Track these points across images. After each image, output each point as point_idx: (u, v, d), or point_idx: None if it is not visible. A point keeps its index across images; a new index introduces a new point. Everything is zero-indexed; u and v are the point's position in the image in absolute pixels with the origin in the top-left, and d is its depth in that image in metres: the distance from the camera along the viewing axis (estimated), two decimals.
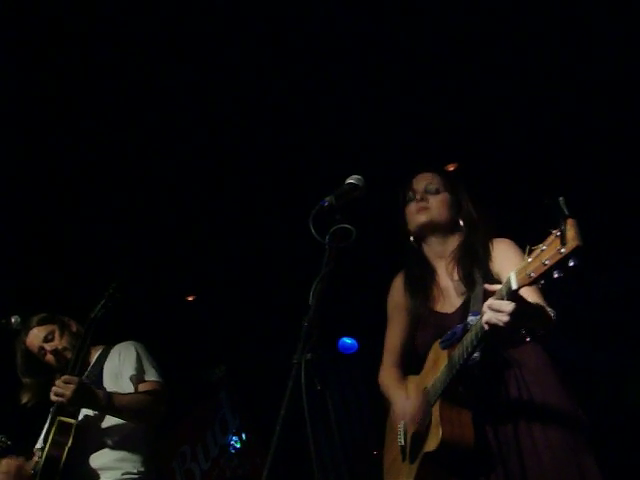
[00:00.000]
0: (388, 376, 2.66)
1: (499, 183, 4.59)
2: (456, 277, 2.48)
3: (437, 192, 2.56)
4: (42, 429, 3.32)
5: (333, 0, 3.81)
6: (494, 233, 2.51)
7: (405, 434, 2.43)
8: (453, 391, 2.18)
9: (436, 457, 2.16)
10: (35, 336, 3.35)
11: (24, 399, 3.31)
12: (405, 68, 4.22)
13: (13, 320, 3.44)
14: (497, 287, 1.92)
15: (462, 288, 2.44)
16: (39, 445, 3.26)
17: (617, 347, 4.78)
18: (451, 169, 4.60)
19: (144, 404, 3.13)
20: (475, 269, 2.42)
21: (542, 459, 2.10)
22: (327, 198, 2.01)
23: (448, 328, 2.34)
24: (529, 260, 1.71)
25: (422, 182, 2.60)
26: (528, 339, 2.05)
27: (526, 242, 1.78)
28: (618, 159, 4.66)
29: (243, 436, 6.45)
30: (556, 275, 1.62)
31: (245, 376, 6.38)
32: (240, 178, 4.96)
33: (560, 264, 1.60)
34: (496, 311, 1.87)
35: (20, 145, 4.40)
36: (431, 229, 2.54)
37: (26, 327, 3.39)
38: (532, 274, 1.70)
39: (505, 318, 1.85)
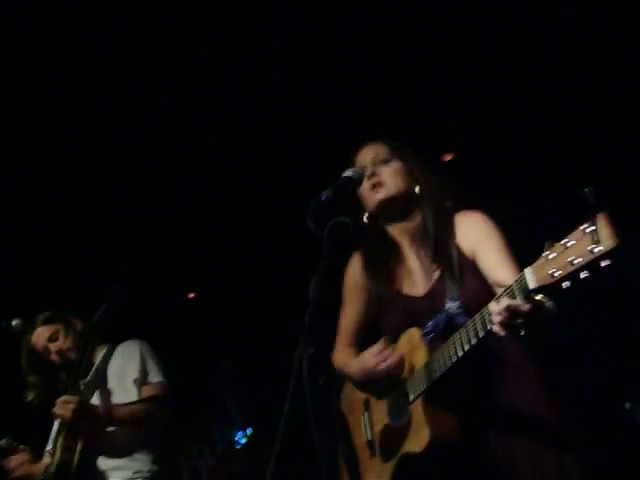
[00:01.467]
0: (346, 355, 2.39)
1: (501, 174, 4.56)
2: (423, 255, 2.27)
3: (387, 162, 2.29)
4: (49, 429, 3.34)
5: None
6: (460, 204, 2.30)
7: (371, 427, 2.26)
8: (437, 389, 2.01)
9: (419, 459, 2.01)
10: (40, 335, 3.35)
11: (29, 397, 3.33)
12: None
13: (14, 323, 3.44)
14: (507, 282, 1.74)
15: (432, 267, 2.23)
16: (49, 447, 3.28)
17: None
18: (448, 159, 4.59)
19: (147, 412, 3.16)
20: (445, 245, 2.19)
21: (521, 461, 1.96)
22: (324, 192, 1.98)
23: (419, 313, 2.18)
24: (550, 257, 1.53)
25: (368, 155, 2.33)
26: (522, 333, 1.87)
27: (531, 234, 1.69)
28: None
29: (249, 431, 6.46)
30: (583, 276, 1.46)
31: (251, 372, 6.38)
32: (240, 174, 4.96)
33: (591, 265, 1.44)
34: (512, 313, 1.67)
35: (22, 145, 4.40)
36: (391, 205, 2.27)
37: (31, 326, 3.39)
38: (556, 273, 1.51)
39: (521, 321, 1.68)
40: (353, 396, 2.41)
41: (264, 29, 3.98)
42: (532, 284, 1.59)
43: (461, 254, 2.17)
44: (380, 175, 2.27)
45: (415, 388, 2.05)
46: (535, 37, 4.07)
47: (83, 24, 3.72)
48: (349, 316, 2.47)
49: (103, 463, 3.12)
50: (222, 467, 6.60)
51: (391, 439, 2.14)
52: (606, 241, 1.40)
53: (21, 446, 3.21)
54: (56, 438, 3.10)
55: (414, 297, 2.25)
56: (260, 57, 4.13)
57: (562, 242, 1.51)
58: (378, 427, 2.22)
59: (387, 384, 2.19)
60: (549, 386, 2.12)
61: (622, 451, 4.06)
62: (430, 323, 2.10)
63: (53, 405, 3.03)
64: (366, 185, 2.24)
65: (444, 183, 2.32)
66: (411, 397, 2.06)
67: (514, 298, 1.66)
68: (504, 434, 2.00)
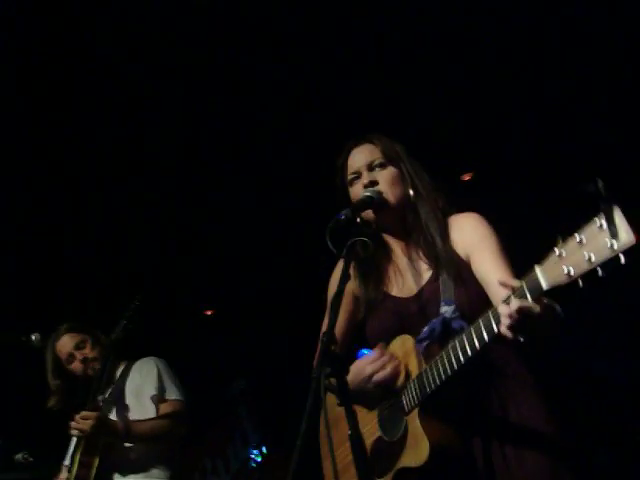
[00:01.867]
0: None
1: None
2: (416, 257, 2.17)
3: (383, 167, 2.18)
4: (67, 444, 3.36)
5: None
6: (452, 204, 2.20)
7: None
8: (434, 400, 1.88)
9: (418, 473, 1.88)
10: (67, 342, 3.39)
11: (50, 403, 3.34)
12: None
13: (34, 337, 3.47)
14: (512, 282, 1.61)
15: (424, 268, 2.13)
16: (67, 462, 3.29)
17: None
18: (467, 179, 4.59)
19: (164, 429, 3.18)
20: (439, 246, 2.09)
21: (519, 474, 1.86)
22: (344, 211, 1.98)
23: (407, 314, 2.08)
24: (564, 254, 1.40)
25: (361, 159, 2.21)
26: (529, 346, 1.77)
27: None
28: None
29: (264, 450, 6.44)
30: (601, 274, 1.33)
31: (265, 389, 6.37)
32: (257, 191, 4.98)
33: (610, 262, 1.32)
34: (524, 316, 1.55)
35: (35, 159, 4.44)
36: (389, 213, 2.16)
37: (58, 333, 3.42)
38: (572, 272, 1.39)
39: (531, 324, 1.56)
40: (337, 408, 2.08)
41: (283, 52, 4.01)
42: (545, 284, 1.47)
43: (455, 255, 2.08)
44: (380, 183, 2.15)
45: (411, 399, 1.92)
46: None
47: (84, 24, 3.73)
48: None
49: (119, 479, 3.13)
50: None
51: (384, 454, 2.00)
52: (625, 236, 1.29)
53: (32, 459, 3.25)
54: (74, 453, 3.11)
55: (403, 298, 2.16)
56: (277, 76, 4.16)
57: (575, 238, 1.38)
58: (368, 441, 2.07)
59: (378, 394, 2.06)
60: (549, 400, 2.01)
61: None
62: (425, 329, 1.98)
63: (71, 420, 3.05)
64: (360, 190, 2.16)
65: (436, 184, 2.23)
66: (407, 408, 1.94)
67: (524, 299, 1.54)
68: (502, 447, 1.91)
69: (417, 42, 4.05)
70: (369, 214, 2.13)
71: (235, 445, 6.72)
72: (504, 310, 1.58)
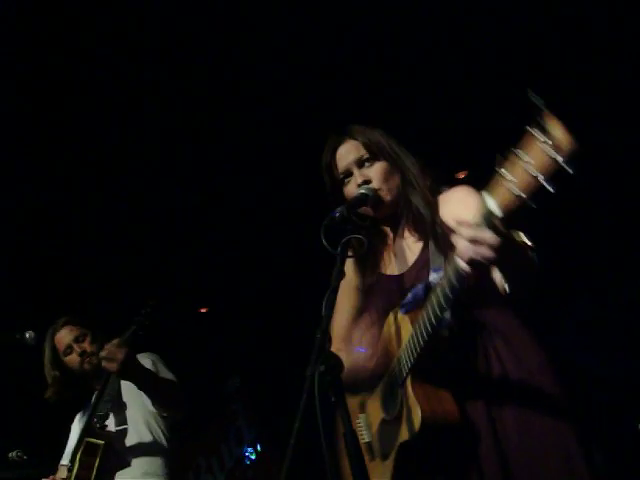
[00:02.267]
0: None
1: None
2: (407, 235, 2.18)
3: (372, 162, 2.18)
4: (62, 443, 3.35)
5: None
6: (439, 181, 2.19)
7: (368, 427, 2.09)
8: (423, 364, 1.83)
9: (415, 446, 1.82)
10: (66, 334, 3.37)
11: (47, 394, 3.33)
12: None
13: (27, 335, 3.45)
14: (465, 220, 1.52)
15: (416, 245, 2.13)
16: (64, 462, 3.28)
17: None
18: (462, 177, 4.58)
19: (173, 391, 3.16)
20: (428, 220, 2.08)
21: (523, 444, 1.79)
22: (338, 209, 1.98)
23: (396, 291, 2.06)
24: (508, 175, 1.32)
25: (349, 156, 2.20)
26: (507, 289, 1.70)
27: None
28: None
29: (258, 447, 6.44)
30: (551, 189, 1.26)
31: (260, 387, 6.37)
32: (253, 189, 4.97)
33: (553, 169, 1.24)
34: (479, 244, 1.47)
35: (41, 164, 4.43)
36: (385, 207, 2.17)
37: (57, 324, 3.42)
38: (522, 193, 1.31)
39: (489, 253, 1.48)
40: (349, 403, 2.28)
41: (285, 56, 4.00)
42: (497, 209, 1.39)
43: (446, 227, 2.02)
44: (374, 180, 2.16)
45: (402, 368, 1.89)
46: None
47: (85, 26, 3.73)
48: (338, 320, 2.31)
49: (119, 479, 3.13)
50: None
51: (388, 435, 1.96)
52: (561, 139, 1.24)
53: (26, 457, 3.24)
54: (74, 454, 3.10)
55: (395, 275, 2.16)
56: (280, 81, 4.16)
57: (514, 153, 1.31)
58: (375, 427, 2.06)
59: (377, 376, 2.05)
60: (547, 355, 1.95)
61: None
62: (408, 295, 1.96)
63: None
64: (355, 190, 2.17)
65: (422, 162, 2.22)
66: (399, 380, 1.90)
67: (480, 229, 1.47)
68: (499, 406, 1.85)
69: (415, 39, 4.05)
70: (366, 210, 2.16)
71: (229, 443, 6.72)
72: (458, 244, 1.54)
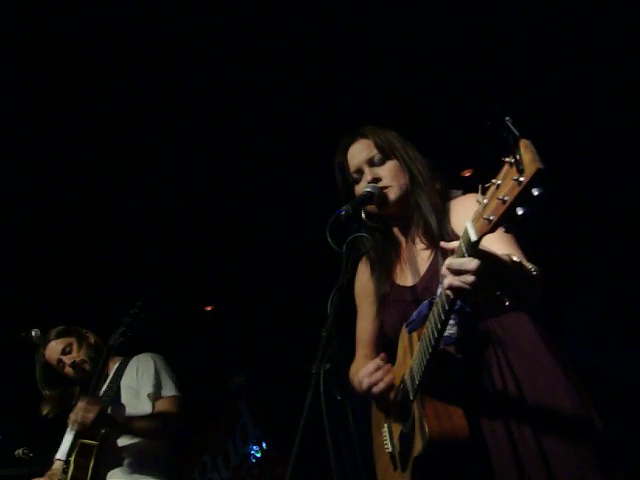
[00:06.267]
0: (357, 368, 2.23)
1: None
2: (417, 242, 2.16)
3: (383, 161, 2.21)
4: (60, 437, 3.36)
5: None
6: (449, 185, 2.20)
7: (391, 438, 2.09)
8: (432, 380, 1.82)
9: (428, 460, 1.81)
10: (53, 349, 3.40)
11: (44, 411, 3.36)
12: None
13: (33, 333, 3.48)
14: (455, 244, 1.57)
15: (425, 253, 2.13)
16: (59, 455, 3.29)
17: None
18: (467, 175, 4.57)
19: (160, 426, 3.19)
20: (439, 229, 2.08)
21: (539, 467, 1.74)
22: (344, 207, 1.98)
23: (411, 302, 2.05)
24: (485, 201, 1.38)
25: (361, 155, 2.23)
26: (507, 303, 1.69)
27: None
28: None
29: (264, 445, 6.44)
30: (521, 212, 1.28)
31: (265, 385, 6.38)
32: (258, 187, 4.97)
33: (522, 197, 1.27)
34: (457, 272, 1.51)
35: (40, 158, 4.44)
36: (396, 205, 2.18)
37: (45, 340, 3.44)
38: (491, 217, 1.35)
39: (470, 279, 1.50)
40: (376, 410, 2.28)
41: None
42: (474, 236, 1.44)
43: (455, 237, 2.00)
44: (384, 179, 2.18)
45: (413, 383, 1.89)
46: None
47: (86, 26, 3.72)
48: (362, 326, 2.38)
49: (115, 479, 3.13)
50: None
51: (406, 446, 1.95)
52: (528, 167, 1.24)
53: (32, 454, 3.26)
54: (70, 452, 3.11)
55: (407, 287, 2.16)
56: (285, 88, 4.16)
57: (494, 181, 1.35)
58: (396, 437, 2.05)
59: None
60: (569, 369, 1.91)
61: None
62: (414, 312, 1.95)
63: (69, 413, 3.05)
64: (363, 187, 2.18)
65: (433, 166, 2.23)
66: (411, 395, 1.90)
67: (463, 256, 1.50)
68: (516, 427, 1.81)
69: (422, 39, 4.04)
70: (373, 208, 2.16)
71: (235, 441, 6.72)
72: (442, 271, 1.57)
